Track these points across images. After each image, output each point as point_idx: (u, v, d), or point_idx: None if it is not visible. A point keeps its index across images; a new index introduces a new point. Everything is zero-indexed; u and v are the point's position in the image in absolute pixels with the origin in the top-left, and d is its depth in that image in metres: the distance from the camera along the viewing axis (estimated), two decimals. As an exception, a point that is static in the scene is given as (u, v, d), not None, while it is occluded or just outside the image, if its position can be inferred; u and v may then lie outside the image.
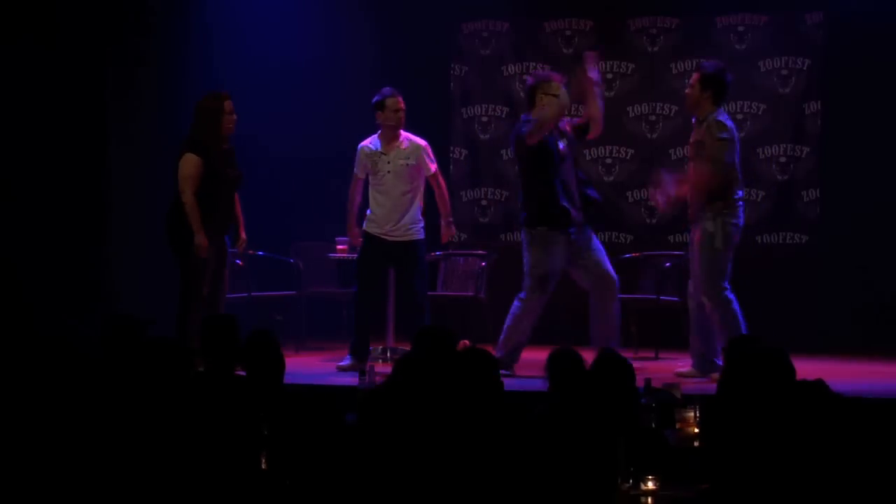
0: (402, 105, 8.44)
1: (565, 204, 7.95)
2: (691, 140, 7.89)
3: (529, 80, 8.27)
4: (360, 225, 8.64)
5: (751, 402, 4.42)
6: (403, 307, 8.77)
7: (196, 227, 7.87)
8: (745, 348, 4.96)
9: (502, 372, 7.81)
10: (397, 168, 8.46)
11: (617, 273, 8.19)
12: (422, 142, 8.54)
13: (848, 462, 3.77)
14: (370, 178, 8.52)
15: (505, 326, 8.13)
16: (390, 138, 8.48)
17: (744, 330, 7.55)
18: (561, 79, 8.11)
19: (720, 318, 7.69)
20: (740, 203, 7.78)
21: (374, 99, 8.49)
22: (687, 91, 7.94)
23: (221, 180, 8.00)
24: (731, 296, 7.72)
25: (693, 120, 7.92)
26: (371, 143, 8.55)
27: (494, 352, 8.04)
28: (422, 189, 8.63)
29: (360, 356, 8.43)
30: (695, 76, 7.85)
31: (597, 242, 8.14)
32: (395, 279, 8.72)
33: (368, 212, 8.57)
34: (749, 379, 4.61)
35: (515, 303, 8.11)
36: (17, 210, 9.59)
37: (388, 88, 8.49)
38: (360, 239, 8.60)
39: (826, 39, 10.05)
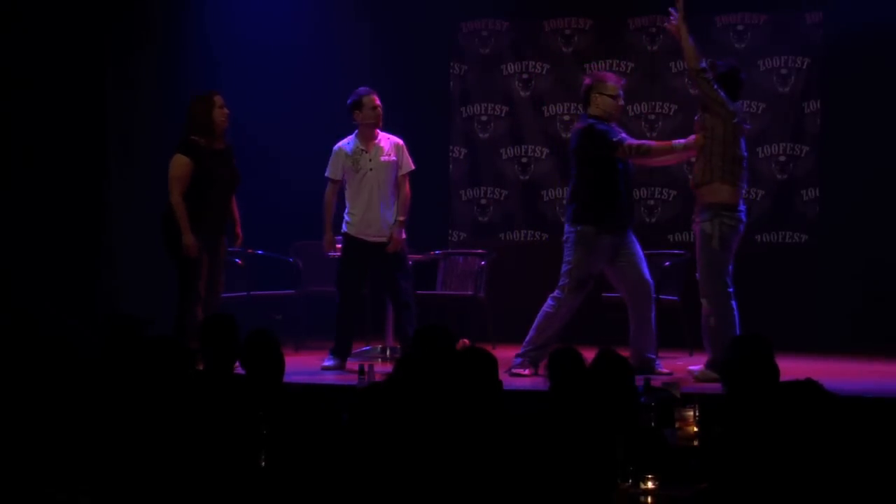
0: (379, 102, 8.44)
1: (624, 202, 7.90)
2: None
3: (587, 79, 8.11)
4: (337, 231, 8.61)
5: (750, 401, 4.44)
6: (391, 306, 8.78)
7: (183, 226, 7.85)
8: (744, 348, 4.96)
9: (526, 371, 7.87)
10: (379, 165, 8.44)
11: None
12: (399, 140, 8.54)
13: (846, 461, 3.77)
14: (349, 178, 8.47)
15: (535, 324, 7.96)
16: (369, 137, 8.46)
17: None
18: (617, 79, 8.07)
19: (716, 322, 7.59)
20: (742, 206, 7.69)
21: (350, 100, 8.47)
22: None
23: (214, 181, 7.98)
24: (734, 303, 7.62)
25: (696, 117, 7.87)
26: (348, 143, 8.52)
27: (519, 349, 8.02)
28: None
29: (342, 356, 8.43)
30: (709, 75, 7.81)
31: (638, 247, 8.04)
32: (380, 279, 8.67)
33: (346, 216, 8.52)
34: (749, 379, 4.62)
35: (549, 301, 7.95)
36: (17, 210, 9.59)
37: (362, 88, 8.48)
38: (338, 246, 8.54)
39: (825, 39, 10.04)
